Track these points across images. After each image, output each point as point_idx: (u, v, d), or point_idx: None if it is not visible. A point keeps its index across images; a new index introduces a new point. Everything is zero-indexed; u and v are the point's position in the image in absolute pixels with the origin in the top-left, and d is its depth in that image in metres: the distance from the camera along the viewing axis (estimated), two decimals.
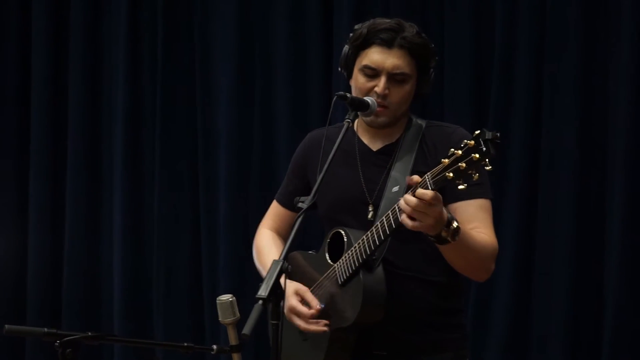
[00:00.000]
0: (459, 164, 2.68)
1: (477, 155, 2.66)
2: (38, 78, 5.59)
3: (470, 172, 2.68)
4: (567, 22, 4.57)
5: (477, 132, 2.69)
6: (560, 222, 4.57)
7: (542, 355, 4.59)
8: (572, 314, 4.54)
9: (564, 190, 4.56)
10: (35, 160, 5.61)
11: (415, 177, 2.79)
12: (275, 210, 3.36)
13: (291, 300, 3.02)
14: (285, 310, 3.02)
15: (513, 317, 4.64)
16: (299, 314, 3.02)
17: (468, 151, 2.68)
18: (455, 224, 2.82)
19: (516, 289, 4.64)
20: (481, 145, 2.66)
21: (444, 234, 2.81)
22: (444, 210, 2.80)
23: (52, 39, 5.59)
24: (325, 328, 3.01)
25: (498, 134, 2.67)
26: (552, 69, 4.60)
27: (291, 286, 3.05)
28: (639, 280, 4.44)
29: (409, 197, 2.76)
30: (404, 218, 2.79)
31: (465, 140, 2.69)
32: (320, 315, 3.03)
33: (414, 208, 2.75)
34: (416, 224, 2.78)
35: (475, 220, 3.01)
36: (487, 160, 2.66)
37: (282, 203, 3.33)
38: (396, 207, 2.85)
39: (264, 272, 3.24)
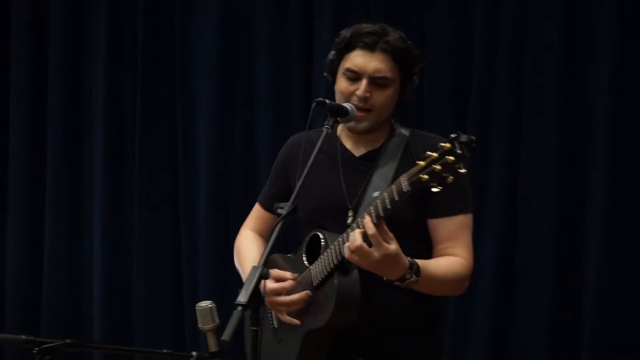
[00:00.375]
0: (434, 166, 2.71)
1: (452, 158, 2.69)
2: (17, 78, 5.57)
3: (445, 174, 2.71)
4: (547, 22, 4.58)
5: (453, 135, 2.71)
6: (541, 225, 4.57)
7: None
8: (552, 319, 4.54)
9: (544, 193, 4.57)
10: (15, 163, 5.59)
11: (365, 220, 2.85)
12: (257, 213, 3.36)
13: (269, 284, 3.00)
14: (266, 299, 3.01)
15: (494, 323, 4.64)
16: (276, 291, 3.01)
17: (443, 154, 2.71)
18: (412, 278, 2.87)
19: (496, 294, 4.64)
20: (456, 148, 2.68)
21: (407, 275, 2.88)
22: (402, 256, 2.85)
23: (32, 38, 5.56)
24: (305, 297, 3.00)
25: (474, 138, 2.70)
26: (532, 70, 4.60)
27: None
28: (619, 283, 4.45)
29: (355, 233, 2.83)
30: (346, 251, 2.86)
31: (441, 143, 2.71)
32: (294, 316, 3.03)
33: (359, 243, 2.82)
34: (354, 257, 2.83)
35: (452, 239, 3.04)
36: (461, 163, 2.67)
37: (265, 206, 3.33)
38: (370, 209, 2.87)
39: (242, 274, 3.24)
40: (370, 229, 2.82)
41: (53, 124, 5.53)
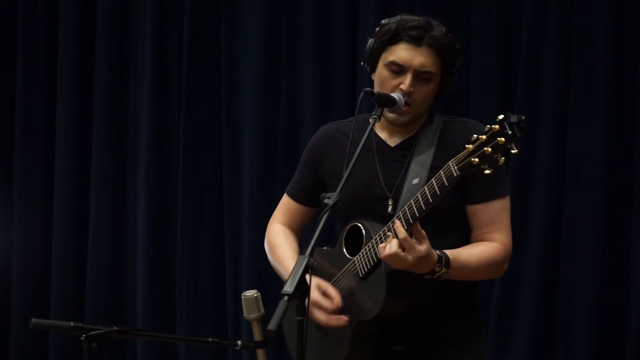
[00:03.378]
0: (484, 148, 2.71)
1: (503, 139, 2.69)
2: (64, 71, 5.60)
3: (495, 156, 2.71)
4: (597, 17, 4.55)
5: (501, 116, 2.72)
6: (586, 222, 4.56)
7: (568, 354, 4.58)
8: (598, 307, 4.53)
9: (591, 188, 4.55)
10: (60, 152, 5.62)
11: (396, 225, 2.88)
12: (286, 204, 3.34)
13: (313, 294, 3.00)
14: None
15: (538, 309, 4.63)
16: (321, 308, 3.02)
17: (493, 135, 2.71)
18: (442, 270, 2.90)
19: (542, 279, 4.63)
20: (506, 129, 2.69)
21: (436, 269, 2.90)
22: (432, 251, 2.87)
23: (79, 27, 5.60)
24: (345, 322, 3.00)
25: (523, 117, 2.71)
26: (579, 66, 4.57)
27: (313, 280, 3.03)
28: None
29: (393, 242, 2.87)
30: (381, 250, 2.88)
31: (489, 125, 2.71)
32: (341, 310, 3.03)
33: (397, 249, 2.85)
34: (388, 261, 2.88)
35: (491, 224, 3.05)
36: (513, 143, 2.66)
37: (294, 197, 3.31)
38: (411, 203, 2.89)
39: (279, 267, 3.24)
40: (401, 233, 2.86)
41: (99, 114, 5.56)
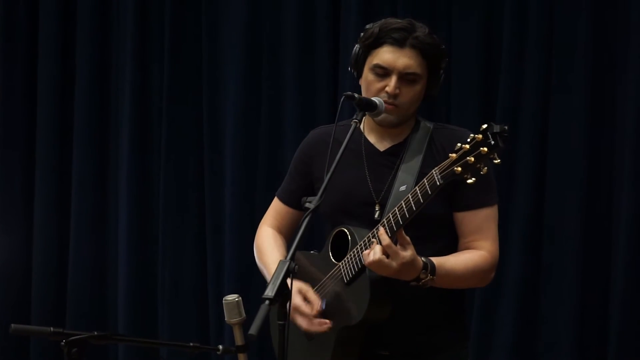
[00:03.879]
0: (467, 158, 2.72)
1: (486, 149, 2.69)
2: (44, 76, 5.57)
3: (478, 165, 2.71)
4: (577, 16, 4.56)
5: (485, 125, 2.72)
6: (568, 223, 4.56)
7: (549, 355, 4.59)
8: (580, 311, 4.53)
9: (571, 190, 4.55)
10: (41, 155, 5.59)
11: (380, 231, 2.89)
12: (276, 208, 3.34)
13: (294, 299, 3.00)
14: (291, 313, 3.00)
15: (520, 316, 4.63)
16: (302, 313, 3.01)
17: (476, 145, 2.71)
18: (428, 277, 2.89)
19: (524, 285, 4.63)
20: (489, 139, 2.70)
21: (422, 276, 2.90)
22: (417, 258, 2.87)
23: (59, 35, 5.58)
24: (327, 328, 3.00)
25: (506, 127, 2.71)
26: (560, 68, 4.58)
27: (294, 285, 3.03)
28: None
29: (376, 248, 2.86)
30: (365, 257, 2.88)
31: (473, 135, 2.71)
32: (325, 314, 3.02)
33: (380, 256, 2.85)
34: (372, 267, 2.88)
35: (477, 232, 3.05)
36: (495, 153, 2.67)
37: (284, 201, 3.32)
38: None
39: (265, 271, 3.23)
40: (385, 240, 2.86)
41: (79, 116, 5.52)
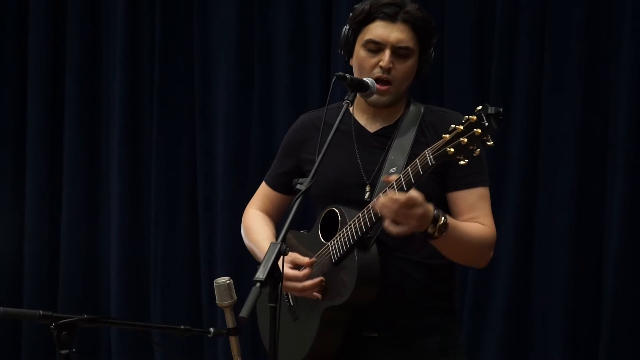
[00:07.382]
0: (460, 139, 2.70)
1: (479, 130, 2.68)
2: (35, 71, 5.57)
3: (471, 147, 2.69)
4: (570, 5, 4.55)
5: (479, 107, 2.70)
6: (560, 212, 4.56)
7: (540, 349, 4.58)
8: (570, 309, 4.54)
9: (563, 178, 4.55)
10: (32, 141, 5.59)
11: (391, 177, 2.81)
12: (264, 192, 3.33)
13: (285, 270, 2.94)
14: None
15: (511, 312, 4.64)
16: (292, 278, 2.99)
17: (470, 126, 2.69)
18: (442, 220, 2.83)
19: (515, 271, 4.63)
20: (483, 120, 2.67)
21: (430, 230, 2.83)
22: (429, 207, 2.81)
23: (50, 29, 5.57)
24: (320, 281, 2.97)
25: (501, 109, 2.69)
26: (553, 53, 4.57)
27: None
28: (638, 272, 4.43)
29: (384, 199, 2.77)
30: (387, 225, 2.80)
31: (467, 116, 2.69)
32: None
33: (390, 210, 2.77)
34: (399, 229, 2.80)
35: (472, 210, 3.02)
36: (489, 135, 2.65)
37: (272, 185, 3.30)
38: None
39: (255, 249, 3.22)
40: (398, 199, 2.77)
41: (70, 108, 5.53)
